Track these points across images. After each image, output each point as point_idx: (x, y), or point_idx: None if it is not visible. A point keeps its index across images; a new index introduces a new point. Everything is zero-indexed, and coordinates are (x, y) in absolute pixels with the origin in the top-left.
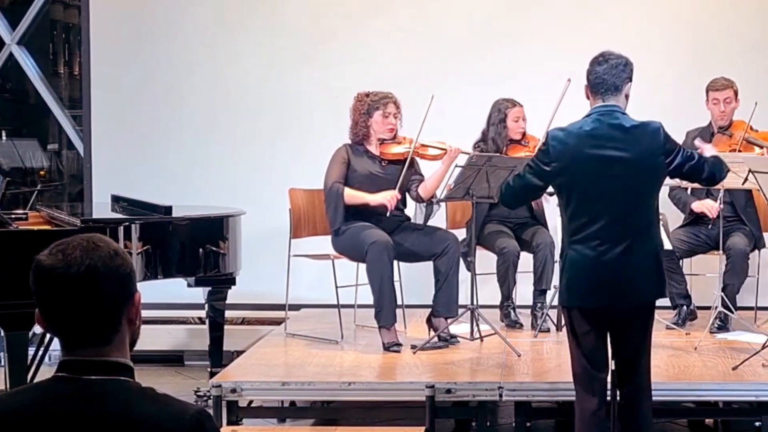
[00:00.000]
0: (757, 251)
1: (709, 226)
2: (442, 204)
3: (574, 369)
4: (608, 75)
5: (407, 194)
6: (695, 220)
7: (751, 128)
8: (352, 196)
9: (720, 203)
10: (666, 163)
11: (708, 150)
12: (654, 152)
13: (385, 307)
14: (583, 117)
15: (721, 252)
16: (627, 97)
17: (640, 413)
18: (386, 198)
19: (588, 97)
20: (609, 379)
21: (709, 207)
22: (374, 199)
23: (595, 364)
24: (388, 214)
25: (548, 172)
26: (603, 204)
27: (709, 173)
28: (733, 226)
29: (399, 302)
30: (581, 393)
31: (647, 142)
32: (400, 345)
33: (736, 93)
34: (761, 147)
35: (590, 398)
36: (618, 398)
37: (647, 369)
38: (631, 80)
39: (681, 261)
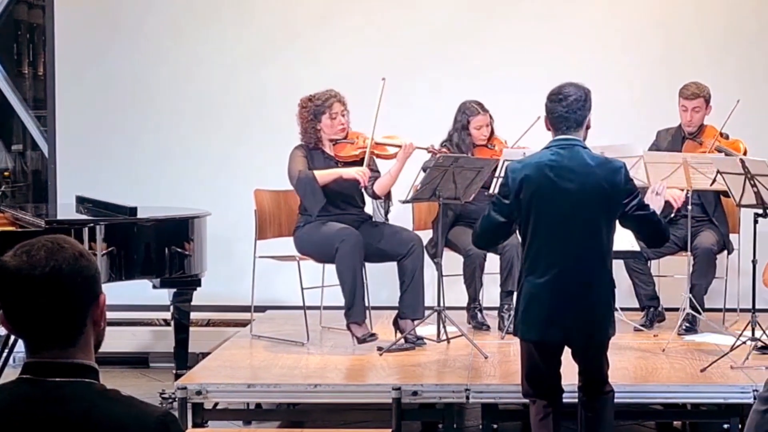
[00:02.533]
0: (726, 253)
1: (672, 215)
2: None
3: (523, 387)
4: (569, 113)
5: (364, 191)
6: (669, 221)
7: (722, 134)
8: (323, 175)
9: (689, 204)
10: (624, 204)
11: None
12: (613, 188)
13: (357, 304)
14: (542, 148)
15: (689, 253)
16: (588, 128)
17: (601, 416)
18: (358, 172)
19: (548, 129)
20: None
21: (675, 196)
22: (347, 171)
23: (545, 390)
24: (361, 187)
25: (508, 205)
26: (558, 237)
27: (656, 230)
28: (703, 225)
29: (366, 303)
30: (530, 400)
31: (607, 179)
32: (375, 335)
33: (707, 101)
34: (730, 155)
35: (541, 399)
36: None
37: (605, 374)
38: (590, 111)
39: (649, 262)
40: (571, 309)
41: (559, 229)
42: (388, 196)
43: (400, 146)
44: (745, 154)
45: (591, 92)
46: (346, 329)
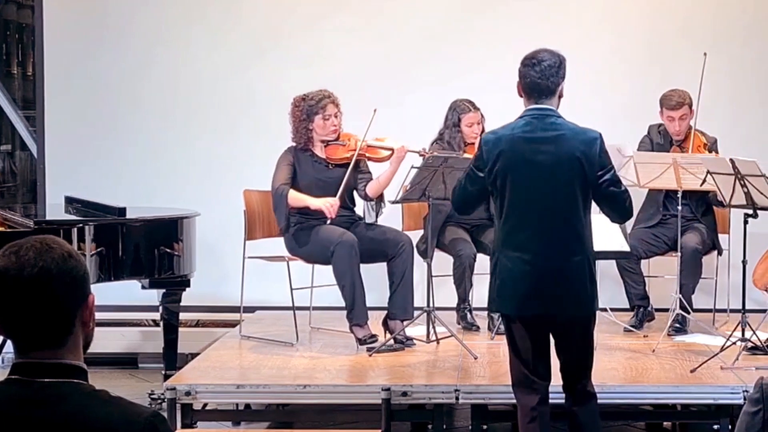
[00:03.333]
0: (716, 254)
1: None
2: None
3: (512, 376)
4: (542, 79)
5: (355, 192)
6: (659, 221)
7: (699, 132)
8: (295, 198)
9: (679, 204)
10: (598, 175)
11: None
12: (588, 158)
13: (357, 305)
14: (516, 118)
15: (678, 253)
16: (560, 96)
17: (585, 417)
18: (325, 204)
19: (520, 96)
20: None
21: None
22: (314, 203)
23: (534, 372)
24: (327, 222)
25: (482, 178)
26: (533, 209)
27: (623, 209)
28: (690, 225)
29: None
30: (521, 394)
31: (583, 150)
32: (375, 336)
33: (690, 106)
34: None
35: (530, 396)
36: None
37: (589, 374)
38: (564, 79)
39: (640, 262)
40: (548, 283)
41: (534, 202)
42: (380, 198)
43: (391, 149)
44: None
45: (566, 60)
46: (336, 330)
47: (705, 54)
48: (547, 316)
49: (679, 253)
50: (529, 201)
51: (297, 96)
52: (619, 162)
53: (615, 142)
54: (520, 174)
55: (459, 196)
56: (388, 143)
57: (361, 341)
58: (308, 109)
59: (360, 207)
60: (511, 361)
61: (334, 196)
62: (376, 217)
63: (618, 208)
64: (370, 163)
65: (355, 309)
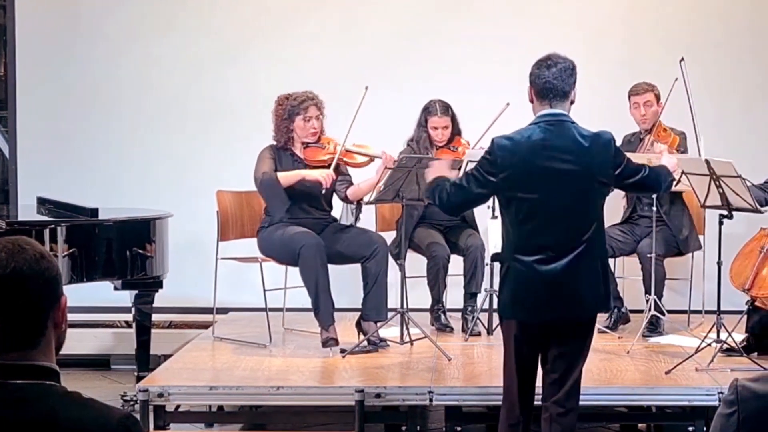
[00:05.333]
0: (690, 255)
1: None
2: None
3: (505, 381)
4: (557, 80)
5: (335, 194)
6: (629, 218)
7: (663, 128)
8: (287, 176)
9: (654, 204)
10: (616, 175)
11: (666, 157)
12: (604, 164)
13: (322, 308)
14: (529, 124)
15: (652, 253)
16: (572, 102)
17: (563, 423)
18: (322, 175)
19: (531, 101)
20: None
21: None
22: (311, 173)
23: (527, 379)
24: (323, 190)
25: (494, 183)
26: (551, 216)
27: (656, 183)
28: (658, 225)
29: (331, 306)
30: (508, 404)
31: (599, 154)
32: (335, 340)
33: (657, 97)
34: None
35: (516, 409)
36: (545, 411)
37: (577, 388)
38: (576, 84)
39: (614, 261)
40: (562, 291)
41: (551, 209)
42: (359, 204)
43: (369, 156)
44: (678, 146)
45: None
46: (309, 331)
47: (682, 59)
48: (557, 320)
49: (652, 254)
50: (546, 208)
51: (282, 94)
52: None
53: None
54: (537, 182)
55: (459, 197)
56: (368, 150)
57: (322, 343)
58: (290, 109)
59: (336, 210)
60: (506, 365)
61: (314, 196)
62: (355, 221)
63: (650, 189)
64: (349, 168)
65: (320, 312)
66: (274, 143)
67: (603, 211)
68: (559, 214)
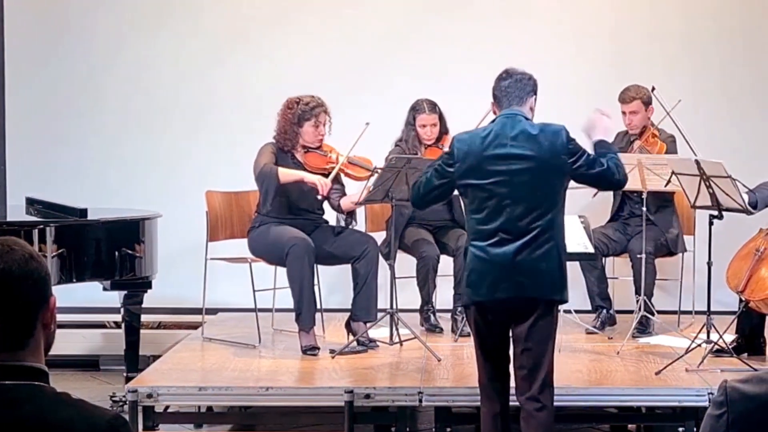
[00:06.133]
0: (681, 255)
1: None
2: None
3: (479, 376)
4: (512, 88)
5: (328, 202)
6: (619, 217)
7: (658, 134)
8: (286, 174)
9: (643, 205)
10: (569, 163)
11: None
12: (556, 152)
13: (305, 310)
14: (489, 122)
15: (639, 255)
16: (532, 109)
17: (540, 418)
18: (321, 180)
19: (494, 113)
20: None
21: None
22: (310, 177)
23: (497, 367)
24: (319, 196)
25: (452, 173)
26: (505, 202)
27: (610, 181)
28: (648, 225)
29: (318, 306)
30: (483, 397)
31: (550, 142)
32: (318, 348)
33: (645, 103)
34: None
35: (493, 402)
36: (522, 411)
37: (549, 383)
38: (535, 94)
39: (604, 260)
40: (516, 271)
41: (504, 197)
42: (351, 214)
43: (371, 171)
44: (666, 152)
45: (537, 81)
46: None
47: (653, 88)
48: (514, 300)
49: (641, 256)
50: (499, 196)
51: (291, 97)
52: None
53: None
54: (489, 170)
55: (422, 189)
56: (370, 165)
57: (302, 349)
58: (300, 114)
59: (327, 214)
60: (477, 359)
61: (310, 200)
62: (347, 227)
63: (606, 184)
64: (345, 179)
65: (302, 314)
66: (274, 141)
67: (562, 202)
68: (510, 199)
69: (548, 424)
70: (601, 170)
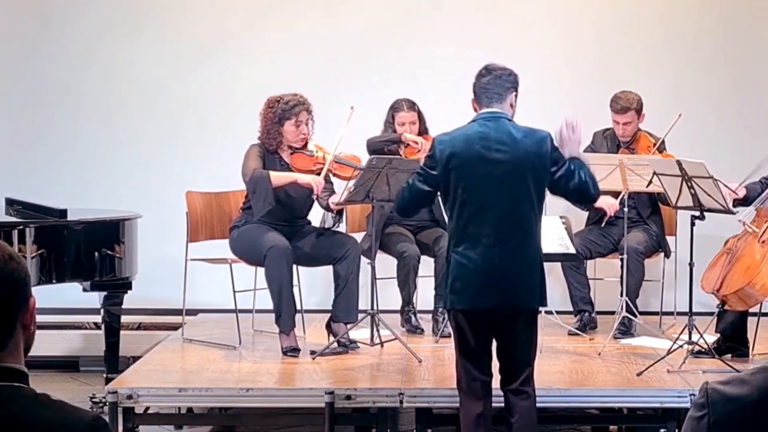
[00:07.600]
0: (662, 256)
1: (603, 224)
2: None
3: (457, 374)
4: (491, 85)
5: (317, 201)
6: (599, 220)
7: (647, 133)
8: (279, 177)
9: (625, 206)
10: (552, 172)
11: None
12: (540, 158)
13: (284, 312)
14: (469, 122)
15: (625, 255)
16: (512, 106)
17: (523, 416)
18: (314, 180)
19: (475, 110)
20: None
21: (609, 204)
22: (303, 178)
23: (478, 368)
24: (314, 196)
25: (435, 176)
26: (487, 206)
27: (586, 194)
28: (636, 225)
29: (298, 307)
30: (464, 398)
31: (533, 147)
32: (298, 350)
33: (638, 111)
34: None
35: (474, 402)
36: (506, 401)
37: (532, 371)
38: (516, 90)
39: (585, 262)
40: (500, 277)
41: (487, 200)
42: (339, 213)
43: (360, 169)
44: None
45: (519, 76)
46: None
47: (680, 115)
48: (498, 308)
49: (625, 255)
50: (482, 200)
51: (272, 96)
52: None
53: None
54: (473, 173)
55: (407, 195)
56: (358, 164)
57: (282, 351)
58: (281, 113)
59: (312, 216)
60: (458, 362)
61: (297, 208)
62: (335, 226)
63: (579, 197)
64: (335, 178)
65: (282, 316)
66: (259, 143)
67: (541, 208)
68: (493, 204)
69: (533, 409)
70: (579, 183)
